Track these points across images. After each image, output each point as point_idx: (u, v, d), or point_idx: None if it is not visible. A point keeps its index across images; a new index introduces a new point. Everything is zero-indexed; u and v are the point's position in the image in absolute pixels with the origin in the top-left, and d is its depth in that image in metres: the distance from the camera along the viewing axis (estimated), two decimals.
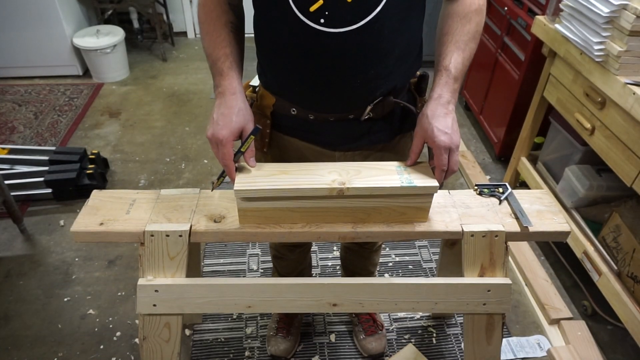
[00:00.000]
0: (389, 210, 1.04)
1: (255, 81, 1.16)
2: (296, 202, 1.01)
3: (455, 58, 0.98)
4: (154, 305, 1.07)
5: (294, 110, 1.06)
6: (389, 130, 1.12)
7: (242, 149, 0.99)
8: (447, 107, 0.96)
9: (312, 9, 0.88)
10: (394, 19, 0.92)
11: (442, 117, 0.95)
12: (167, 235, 1.02)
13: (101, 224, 1.04)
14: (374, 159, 1.14)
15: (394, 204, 1.03)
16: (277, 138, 1.14)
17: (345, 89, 0.99)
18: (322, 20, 0.89)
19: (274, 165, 1.05)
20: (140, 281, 1.05)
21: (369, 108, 1.03)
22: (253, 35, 1.05)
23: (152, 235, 1.02)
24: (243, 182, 0.98)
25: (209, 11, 1.00)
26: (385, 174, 1.02)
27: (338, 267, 1.92)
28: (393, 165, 1.05)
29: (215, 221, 1.05)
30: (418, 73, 1.14)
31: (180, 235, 1.02)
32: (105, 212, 1.07)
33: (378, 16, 0.90)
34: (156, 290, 1.05)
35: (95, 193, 1.13)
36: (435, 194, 1.17)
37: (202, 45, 1.03)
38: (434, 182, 1.00)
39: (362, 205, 1.03)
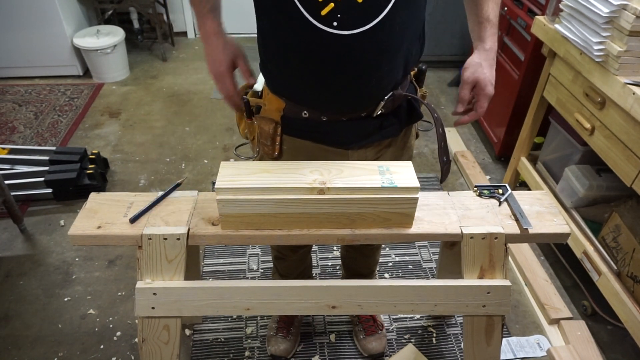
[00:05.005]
0: (372, 216, 1.04)
1: (258, 86, 1.16)
2: (278, 207, 1.00)
3: (493, 7, 1.05)
4: (153, 308, 1.07)
5: (305, 114, 1.06)
6: (398, 123, 1.13)
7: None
8: (494, 59, 1.06)
9: (324, 12, 0.88)
10: (404, 14, 0.93)
11: (492, 68, 1.06)
12: (165, 239, 1.02)
13: (99, 227, 1.04)
14: (384, 153, 1.16)
15: (378, 210, 1.02)
16: (288, 142, 1.13)
17: (361, 89, 0.99)
18: (335, 23, 0.89)
19: (256, 163, 1.05)
20: (139, 284, 1.05)
21: (381, 104, 1.04)
22: (251, 35, 1.05)
23: (150, 239, 1.02)
24: (225, 180, 0.98)
25: None
26: (367, 174, 1.02)
27: (338, 267, 1.92)
28: (375, 165, 1.05)
29: (213, 224, 1.05)
30: (417, 67, 1.16)
31: (178, 239, 1.02)
32: (102, 215, 1.08)
33: (389, 14, 0.90)
34: (154, 294, 1.05)
35: (93, 196, 1.13)
36: (434, 195, 1.17)
37: None
38: (416, 183, 1.00)
39: (345, 210, 1.02)
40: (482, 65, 1.05)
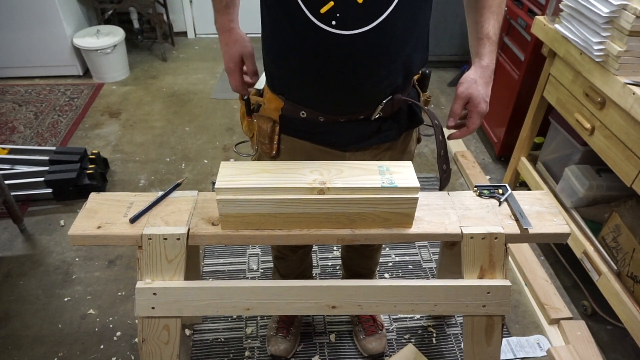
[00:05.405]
0: (372, 216, 1.04)
1: (260, 84, 1.16)
2: (278, 207, 1.00)
3: (494, 24, 1.04)
4: (153, 308, 1.07)
5: (303, 114, 1.06)
6: (397, 128, 1.12)
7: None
8: (491, 76, 1.06)
9: (323, 10, 0.88)
10: (406, 18, 0.92)
11: (488, 85, 1.06)
12: (165, 239, 1.02)
13: (99, 227, 1.04)
14: (382, 157, 1.15)
15: (378, 210, 1.02)
16: (286, 141, 1.13)
17: (358, 91, 0.99)
18: (333, 22, 0.89)
19: (256, 163, 1.04)
20: (139, 284, 1.05)
21: (379, 107, 1.03)
22: (256, 34, 1.06)
23: (150, 239, 1.02)
24: (225, 180, 0.98)
25: None
26: (367, 174, 1.02)
27: (338, 268, 1.92)
28: (375, 165, 1.05)
29: (213, 224, 1.05)
30: (421, 71, 1.14)
31: (178, 239, 1.02)
32: (102, 215, 1.07)
33: (390, 17, 0.90)
34: (154, 294, 1.05)
35: (93, 196, 1.13)
36: (434, 195, 1.17)
37: None
38: (416, 183, 1.00)
39: (345, 210, 1.02)
40: (477, 82, 1.04)
